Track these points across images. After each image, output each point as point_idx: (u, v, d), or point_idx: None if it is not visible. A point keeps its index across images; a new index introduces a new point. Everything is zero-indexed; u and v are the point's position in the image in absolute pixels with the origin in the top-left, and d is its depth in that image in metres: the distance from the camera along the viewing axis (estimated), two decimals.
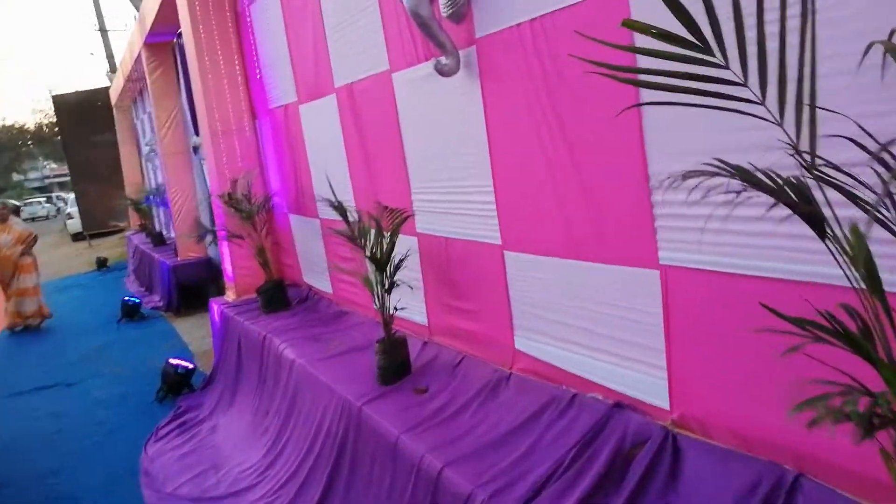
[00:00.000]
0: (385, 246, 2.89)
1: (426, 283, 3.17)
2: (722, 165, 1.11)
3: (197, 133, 6.24)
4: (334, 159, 3.91)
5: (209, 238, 6.11)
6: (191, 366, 5.15)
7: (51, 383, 5.89)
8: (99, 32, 21.43)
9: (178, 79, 8.25)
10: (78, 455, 4.25)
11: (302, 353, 3.59)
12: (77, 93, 18.48)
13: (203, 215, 7.82)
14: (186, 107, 8.10)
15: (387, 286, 2.91)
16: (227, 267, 5.36)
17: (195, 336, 6.83)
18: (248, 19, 4.93)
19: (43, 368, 6.44)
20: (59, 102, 18.60)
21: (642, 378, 1.92)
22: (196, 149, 8.19)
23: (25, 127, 44.93)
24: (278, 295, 4.70)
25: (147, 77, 8.51)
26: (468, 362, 2.76)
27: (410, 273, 3.11)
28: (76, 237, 20.34)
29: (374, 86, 3.30)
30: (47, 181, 51.53)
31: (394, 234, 2.88)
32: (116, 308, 8.27)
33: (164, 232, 10.55)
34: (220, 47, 4.96)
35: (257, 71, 4.87)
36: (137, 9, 8.26)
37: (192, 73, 5.27)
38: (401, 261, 2.94)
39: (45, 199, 42.40)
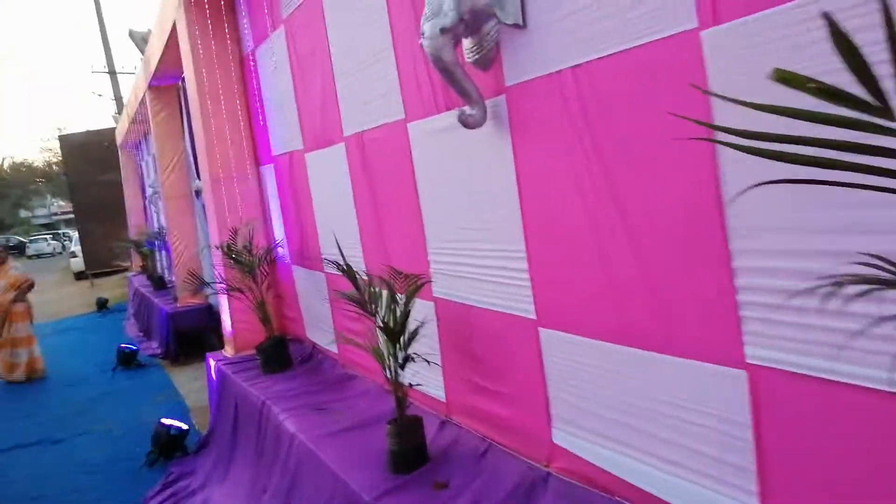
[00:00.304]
0: (398, 314, 2.57)
1: (444, 353, 2.84)
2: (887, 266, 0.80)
3: (199, 177, 6.02)
4: (342, 212, 3.62)
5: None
6: (184, 426, 4.79)
7: (34, 440, 5.51)
8: (107, 74, 21.54)
9: (182, 122, 8.09)
10: None
11: (304, 426, 3.24)
12: (84, 133, 18.51)
13: (204, 262, 7.54)
14: (190, 150, 7.93)
15: (400, 360, 2.58)
16: (226, 320, 5.04)
17: (192, 388, 6.47)
18: (252, 63, 4.72)
19: (27, 422, 6.06)
20: (66, 142, 18.62)
21: (726, 502, 1.56)
22: (198, 193, 7.96)
23: (33, 164, 45.33)
24: (279, 354, 4.37)
25: (151, 119, 8.35)
26: (495, 453, 2.41)
27: (427, 342, 2.78)
28: (79, 276, 20.09)
29: (388, 136, 3.03)
30: (54, 218, 51.68)
31: (408, 302, 2.57)
32: (113, 354, 7.94)
33: (166, 275, 10.26)
34: (223, 91, 4.74)
35: (260, 116, 4.63)
36: (143, 52, 8.13)
37: (193, 117, 5.06)
38: (416, 330, 2.62)
39: (50, 235, 42.40)
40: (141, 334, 9.62)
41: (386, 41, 2.86)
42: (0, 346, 7.55)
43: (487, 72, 2.27)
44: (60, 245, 38.00)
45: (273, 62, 4.26)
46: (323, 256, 3.93)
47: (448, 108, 2.52)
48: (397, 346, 2.59)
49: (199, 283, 4.78)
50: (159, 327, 8.42)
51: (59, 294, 17.75)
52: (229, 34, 4.81)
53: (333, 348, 4.23)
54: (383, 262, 3.18)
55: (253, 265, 4.37)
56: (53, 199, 49.93)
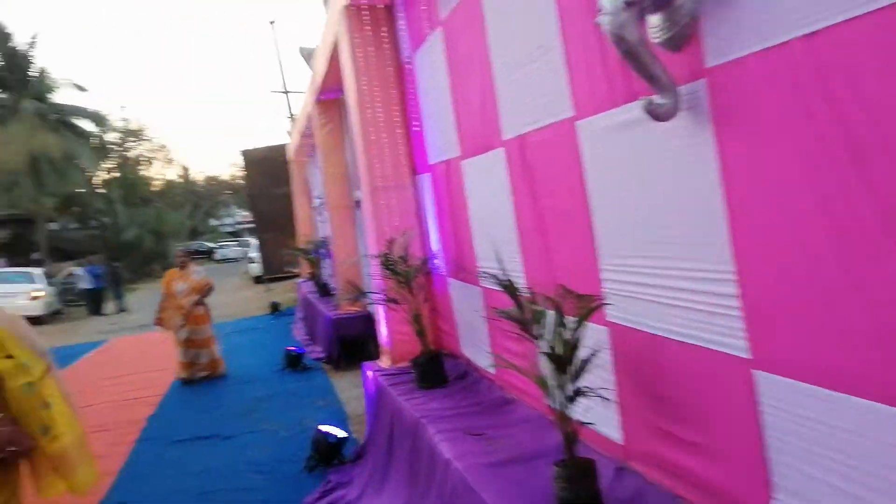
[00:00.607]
0: (567, 340, 2.23)
1: (621, 388, 2.45)
2: None
3: (359, 187, 6.10)
4: (501, 223, 3.35)
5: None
6: (343, 434, 4.80)
7: (208, 434, 5.86)
8: (283, 93, 23.34)
9: (344, 133, 8.36)
10: None
11: (460, 452, 2.99)
12: (262, 148, 20.14)
13: (365, 271, 7.70)
14: (351, 161, 8.16)
15: (569, 393, 2.24)
16: (383, 331, 4.99)
17: (351, 395, 6.57)
18: (411, 68, 4.62)
19: (204, 417, 6.49)
20: (247, 157, 20.37)
21: None
22: (359, 203, 8.16)
23: (221, 178, 50.72)
24: (435, 369, 4.20)
25: (317, 133, 8.72)
26: None
27: (599, 373, 2.42)
28: (257, 280, 21.92)
29: (553, 137, 2.71)
30: (238, 227, 57.28)
31: (580, 326, 2.22)
32: (281, 354, 8.37)
33: (330, 283, 10.72)
34: (381, 100, 4.69)
35: (416, 123, 4.51)
36: (311, 68, 8.53)
37: (353, 127, 5.08)
38: (588, 360, 2.26)
39: (235, 242, 47.07)
40: (308, 338, 10.10)
41: (552, 28, 2.54)
42: (180, 345, 7.94)
43: (680, 53, 1.88)
44: (243, 251, 42.19)
45: (430, 64, 4.12)
46: (480, 270, 3.69)
47: (627, 101, 2.15)
48: (565, 376, 2.25)
49: (357, 293, 4.76)
50: (323, 332, 8.76)
51: (239, 296, 19.46)
52: (387, 41, 4.76)
53: (490, 368, 3.97)
54: (547, 279, 2.86)
55: (409, 276, 4.25)
56: (238, 210, 55.46)
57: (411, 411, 3.75)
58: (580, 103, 2.48)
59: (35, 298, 17.65)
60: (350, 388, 6.87)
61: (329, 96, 8.01)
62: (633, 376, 2.40)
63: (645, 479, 2.34)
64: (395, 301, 4.33)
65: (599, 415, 2.50)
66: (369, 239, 5.09)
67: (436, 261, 4.67)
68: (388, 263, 4.29)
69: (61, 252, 29.35)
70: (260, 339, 11.11)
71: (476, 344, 4.21)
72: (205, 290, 8.09)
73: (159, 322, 8.12)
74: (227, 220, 59.53)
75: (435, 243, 4.70)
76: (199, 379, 7.90)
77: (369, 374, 4.95)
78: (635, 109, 2.03)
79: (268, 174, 18.86)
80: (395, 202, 4.79)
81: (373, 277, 4.81)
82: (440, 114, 4.14)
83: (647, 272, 2.18)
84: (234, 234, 55.05)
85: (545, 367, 2.31)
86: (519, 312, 2.37)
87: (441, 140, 4.22)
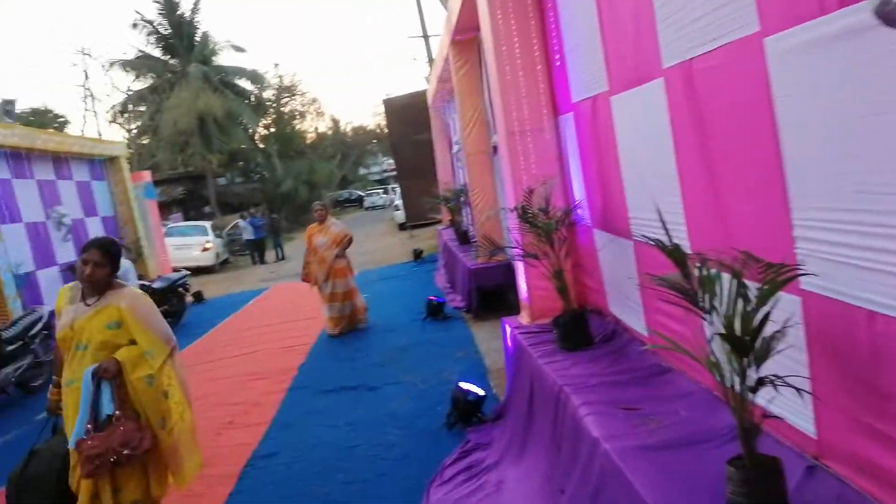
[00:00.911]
0: (749, 315, 1.79)
1: (816, 372, 1.97)
2: None
3: (496, 131, 5.74)
4: (659, 168, 2.87)
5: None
6: (481, 392, 4.63)
7: (354, 384, 5.98)
8: (421, 38, 23.18)
9: (482, 75, 7.97)
10: (365, 484, 4.00)
11: (610, 430, 2.66)
12: (403, 96, 20.27)
13: (503, 221, 7.41)
14: (488, 104, 7.78)
15: (751, 382, 1.81)
16: (522, 286, 4.69)
17: (490, 347, 6.41)
18: None
19: (351, 366, 6.65)
20: (388, 106, 20.64)
21: None
22: (496, 149, 7.81)
23: (368, 128, 52.42)
24: (578, 330, 3.84)
25: (453, 75, 8.41)
26: None
27: (788, 352, 1.95)
28: (401, 227, 22.50)
29: (730, 59, 2.18)
30: (385, 174, 59.26)
31: (767, 298, 1.76)
32: (423, 303, 8.42)
33: (469, 231, 10.57)
34: (518, 33, 4.24)
35: (557, 56, 4.03)
36: (446, 8, 8.16)
37: (488, 65, 4.69)
38: (774, 338, 1.80)
39: (382, 190, 48.81)
40: (448, 286, 10.10)
41: None
42: (325, 300, 7.94)
43: None
44: (390, 199, 43.67)
45: None
46: (631, 222, 3.25)
47: (843, 4, 1.60)
48: (745, 359, 1.82)
49: (494, 248, 4.47)
50: (462, 281, 8.66)
51: (384, 243, 20.10)
52: None
53: (642, 329, 3.55)
54: (717, 235, 2.38)
55: (549, 229, 3.88)
56: (384, 158, 57.27)
57: (553, 377, 3.45)
58: (769, 14, 1.93)
59: (206, 250, 19.41)
60: (489, 340, 6.71)
61: (465, 35, 7.62)
62: (833, 358, 1.91)
63: (846, 484, 1.87)
64: (534, 256, 4.00)
65: (787, 402, 2.04)
66: (507, 188, 4.76)
67: (579, 211, 4.24)
68: (526, 216, 3.94)
69: (228, 205, 32.11)
70: (402, 286, 11.31)
71: (626, 303, 3.79)
72: (344, 243, 8.00)
73: (306, 277, 8.23)
74: (375, 169, 61.81)
75: (578, 191, 4.27)
76: (346, 332, 7.97)
77: (508, 329, 4.70)
78: (854, 15, 1.50)
79: (409, 121, 19.00)
80: (534, 147, 4.39)
81: (511, 231, 4.49)
82: (585, 44, 3.65)
83: (857, 229, 1.67)
84: (381, 182, 57.09)
85: (719, 346, 1.89)
86: (684, 280, 1.94)
87: (586, 74, 3.73)
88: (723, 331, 1.82)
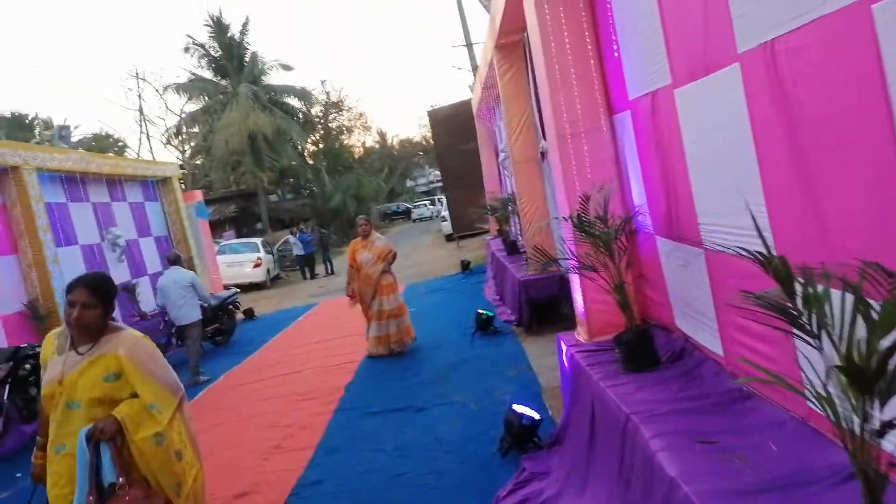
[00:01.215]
0: (873, 341, 1.44)
1: None
2: None
3: (545, 137, 5.44)
4: (734, 165, 2.52)
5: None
6: (537, 416, 4.31)
7: (401, 405, 5.73)
8: (464, 46, 23.04)
9: (528, 78, 7.68)
10: None
11: (688, 469, 2.30)
12: (447, 107, 20.16)
13: (554, 230, 7.08)
14: (535, 109, 7.49)
15: (876, 424, 1.46)
16: (578, 300, 4.36)
17: (544, 364, 6.07)
18: None
19: (399, 385, 6.41)
20: (433, 117, 20.56)
21: None
22: (544, 154, 7.49)
23: (414, 140, 52.69)
24: (643, 349, 3.49)
25: (499, 81, 8.15)
26: None
27: None
28: (448, 238, 22.31)
29: (825, 35, 1.84)
30: (431, 186, 59.45)
31: (890, 324, 1.41)
32: (472, 316, 8.14)
33: (518, 240, 10.25)
34: (568, 26, 3.93)
35: (615, 48, 3.71)
36: (489, 11, 7.93)
37: (536, 64, 4.40)
38: None
39: (429, 201, 48.88)
40: (497, 298, 9.79)
41: None
42: (369, 318, 7.54)
43: None
44: (437, 210, 43.61)
45: None
46: (702, 229, 2.90)
47: None
48: (868, 397, 1.47)
49: (547, 260, 4.16)
50: (512, 293, 8.34)
51: (432, 255, 19.93)
52: None
53: (717, 347, 3.18)
54: (812, 244, 2.03)
55: (608, 238, 3.55)
56: (430, 169, 57.44)
57: (618, 403, 3.10)
58: None
59: (257, 266, 19.64)
60: (543, 356, 6.38)
61: (510, 38, 7.36)
62: None
63: None
64: (592, 269, 3.67)
65: None
66: (559, 196, 4.44)
67: (640, 217, 3.89)
68: (582, 225, 3.62)
69: (279, 222, 32.64)
70: (450, 299, 11.05)
71: (696, 318, 3.42)
72: (389, 258, 7.66)
73: (351, 295, 7.79)
74: (422, 181, 62.07)
75: (638, 196, 3.92)
76: (394, 354, 7.53)
77: (564, 347, 4.37)
78: None
79: (454, 131, 18.86)
80: (588, 150, 4.06)
81: (565, 241, 4.17)
82: (642, 35, 3.32)
83: None
84: (428, 194, 57.25)
85: (832, 378, 1.54)
86: (786, 298, 1.60)
87: (644, 68, 3.40)
88: (838, 360, 1.47)
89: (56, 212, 9.78)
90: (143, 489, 2.52)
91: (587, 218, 3.63)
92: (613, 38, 3.72)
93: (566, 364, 4.34)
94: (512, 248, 10.03)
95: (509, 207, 10.34)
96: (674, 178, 3.27)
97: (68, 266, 9.60)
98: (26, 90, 62.24)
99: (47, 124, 35.13)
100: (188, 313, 8.26)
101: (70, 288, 2.61)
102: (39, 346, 7.29)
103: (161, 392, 2.64)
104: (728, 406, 2.80)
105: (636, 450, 2.77)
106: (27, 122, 35.09)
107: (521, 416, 4.28)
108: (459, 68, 46.64)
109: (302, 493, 4.31)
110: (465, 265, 14.17)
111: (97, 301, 2.60)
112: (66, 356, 2.63)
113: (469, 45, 23.04)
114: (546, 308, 7.41)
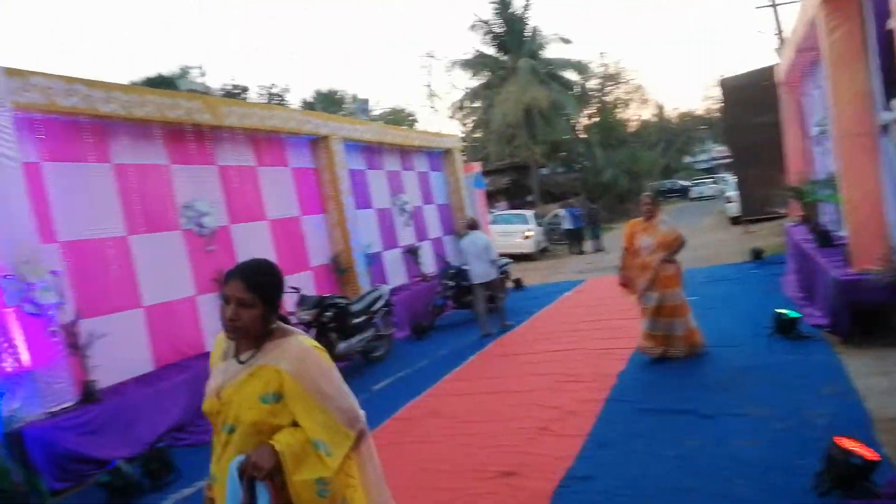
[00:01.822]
0: None
1: None
2: None
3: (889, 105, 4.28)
4: None
5: None
6: (872, 457, 3.43)
7: (682, 407, 5.09)
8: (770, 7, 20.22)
9: (865, 37, 6.25)
10: None
11: None
12: (743, 75, 17.92)
13: (890, 217, 5.70)
14: (876, 73, 6.06)
15: None
16: None
17: (872, 386, 4.93)
18: None
19: (676, 384, 5.78)
20: (726, 86, 18.49)
21: None
22: (885, 128, 6.05)
23: (695, 112, 48.63)
24: None
25: (822, 42, 6.77)
26: None
27: None
28: (734, 221, 20.13)
29: None
30: (713, 162, 54.53)
31: None
32: (766, 314, 7.09)
33: (832, 230, 8.62)
34: None
35: None
36: None
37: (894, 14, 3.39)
38: None
39: (711, 179, 44.91)
40: (801, 296, 8.37)
41: None
42: (647, 314, 6.47)
43: None
44: (720, 189, 39.80)
45: None
46: None
47: None
48: None
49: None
50: (825, 294, 6.99)
51: (714, 238, 18.15)
52: None
53: None
54: None
55: None
56: (713, 145, 52.62)
57: None
58: None
59: (527, 238, 20.02)
60: (870, 375, 5.20)
61: None
62: None
63: None
64: None
65: None
66: None
67: None
68: None
69: (550, 195, 32.90)
70: (739, 292, 9.81)
71: None
72: (675, 247, 6.46)
73: (623, 283, 6.76)
74: (702, 157, 57.31)
75: None
76: (677, 357, 6.43)
77: None
78: None
79: (749, 102, 16.68)
80: None
81: None
82: None
83: None
84: (709, 171, 52.66)
85: None
86: None
87: None
88: None
89: (356, 177, 10.94)
90: None
91: None
92: None
93: None
94: (823, 238, 8.46)
95: (825, 191, 8.73)
96: None
97: (365, 226, 10.78)
98: (339, 69, 72.13)
99: (353, 98, 40.17)
100: (488, 271, 9.28)
101: (226, 278, 2.05)
102: (340, 297, 8.34)
103: (332, 424, 2.00)
104: None
105: None
106: (336, 97, 40.36)
107: (850, 453, 3.44)
108: (762, 32, 41.42)
109: (571, 485, 4.07)
110: (758, 254, 12.52)
111: (255, 298, 2.01)
112: (228, 363, 2.13)
113: (774, 6, 20.15)
114: (874, 316, 6.05)
